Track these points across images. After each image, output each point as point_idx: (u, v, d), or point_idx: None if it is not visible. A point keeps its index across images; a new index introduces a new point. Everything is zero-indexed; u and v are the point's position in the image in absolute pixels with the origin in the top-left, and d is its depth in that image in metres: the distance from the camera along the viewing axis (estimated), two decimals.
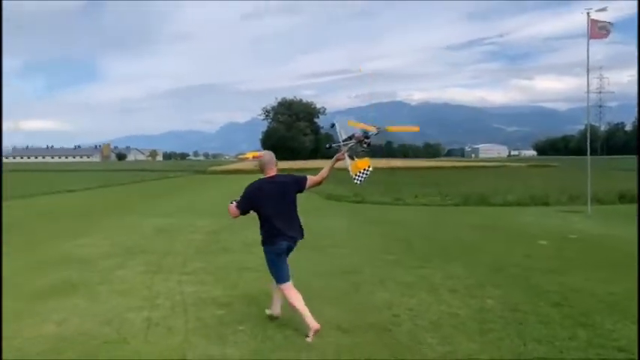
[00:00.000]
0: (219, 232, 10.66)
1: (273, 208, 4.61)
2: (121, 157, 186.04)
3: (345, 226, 11.70)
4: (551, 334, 4.59)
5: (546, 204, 15.93)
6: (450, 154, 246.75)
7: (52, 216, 14.31)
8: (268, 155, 4.81)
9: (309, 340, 4.44)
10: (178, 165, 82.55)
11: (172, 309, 5.41)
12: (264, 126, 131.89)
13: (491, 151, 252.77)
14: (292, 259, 7.83)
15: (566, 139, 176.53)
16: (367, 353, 4.20)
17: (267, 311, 5.10)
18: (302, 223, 4.80)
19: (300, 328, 4.73)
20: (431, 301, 5.55)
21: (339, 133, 4.88)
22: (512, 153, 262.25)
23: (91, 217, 13.98)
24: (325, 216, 13.49)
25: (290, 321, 4.93)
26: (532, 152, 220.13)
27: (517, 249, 8.46)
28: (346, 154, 4.78)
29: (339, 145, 4.83)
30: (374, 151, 5.25)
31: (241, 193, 4.69)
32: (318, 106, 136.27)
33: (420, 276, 6.68)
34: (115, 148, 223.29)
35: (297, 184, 4.75)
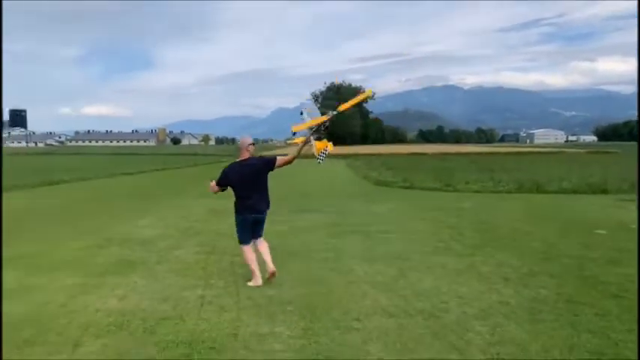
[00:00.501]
0: (270, 216, 10.85)
1: (245, 187, 5.68)
2: (175, 141, 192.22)
3: (393, 211, 11.63)
4: (608, 326, 4.43)
5: (605, 192, 15.18)
6: (503, 139, 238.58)
7: (112, 198, 15.05)
8: (242, 141, 5.84)
9: (250, 283, 5.67)
10: (230, 149, 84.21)
11: (225, 288, 5.61)
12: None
13: (547, 136, 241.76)
14: (340, 244, 7.92)
15: (629, 124, 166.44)
16: (413, 337, 4.22)
17: (250, 283, 5.72)
18: (269, 198, 5.87)
19: (349, 312, 4.81)
20: (481, 290, 5.47)
21: (305, 120, 5.73)
22: (570, 138, 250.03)
23: (148, 199, 14.60)
24: (374, 201, 13.47)
25: (338, 304, 5.01)
26: (592, 138, 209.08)
27: (573, 238, 8.15)
28: (312, 138, 5.65)
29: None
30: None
31: (220, 173, 5.76)
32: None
33: (470, 264, 6.58)
34: (170, 132, 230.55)
35: (267, 165, 5.77)
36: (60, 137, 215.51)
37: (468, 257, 6.93)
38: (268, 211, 5.89)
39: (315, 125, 5.64)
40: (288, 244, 7.90)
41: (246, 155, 5.81)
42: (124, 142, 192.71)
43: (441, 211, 11.60)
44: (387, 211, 11.62)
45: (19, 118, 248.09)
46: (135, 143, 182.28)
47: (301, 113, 5.88)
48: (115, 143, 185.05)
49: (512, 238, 8.27)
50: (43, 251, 7.50)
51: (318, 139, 5.67)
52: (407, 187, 17.43)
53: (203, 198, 14.41)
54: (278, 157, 5.86)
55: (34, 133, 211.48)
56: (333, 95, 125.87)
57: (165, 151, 74.86)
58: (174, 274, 6.22)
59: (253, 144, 5.89)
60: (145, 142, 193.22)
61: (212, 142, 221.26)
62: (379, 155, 49.52)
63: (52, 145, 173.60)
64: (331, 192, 16.58)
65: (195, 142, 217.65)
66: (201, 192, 16.36)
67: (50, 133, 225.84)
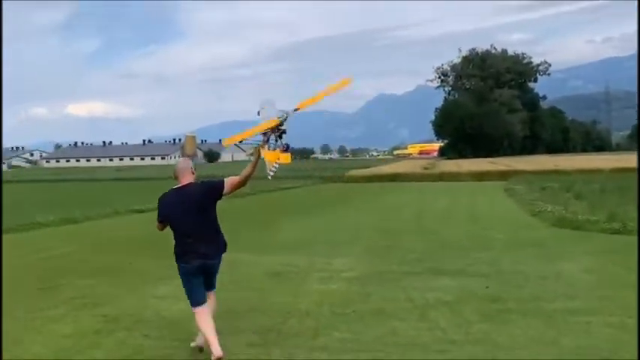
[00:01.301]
0: (369, 281, 10.94)
1: (182, 222, 6.94)
2: (212, 156, 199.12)
3: (594, 274, 11.31)
4: None
5: None
6: None
7: (114, 250, 15.81)
8: (183, 162, 7.24)
9: None
10: (299, 168, 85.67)
11: None
12: (438, 99, 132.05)
13: None
14: (498, 333, 7.75)
15: None
16: None
17: (192, 344, 7.29)
18: (224, 236, 7.18)
19: None
20: None
21: (260, 122, 7.18)
22: None
23: (171, 252, 15.17)
24: (556, 256, 13.19)
25: None
26: None
27: None
28: (266, 147, 7.02)
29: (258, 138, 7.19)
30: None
31: None
32: (536, 60, 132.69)
33: None
34: (204, 142, 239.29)
35: (210, 191, 7.02)
36: (32, 154, 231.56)
37: None
38: (222, 257, 7.20)
39: (269, 130, 7.05)
40: (412, 332, 7.87)
41: (186, 180, 7.11)
42: (132, 159, 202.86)
43: None
44: (582, 274, 11.30)
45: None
46: (148, 162, 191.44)
47: (258, 113, 7.29)
48: (117, 162, 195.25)
49: None
50: (6, 340, 7.99)
51: (286, 149, 7.13)
52: (615, 232, 16.79)
53: (258, 251, 14.73)
54: (227, 179, 7.08)
55: None
56: (475, 71, 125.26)
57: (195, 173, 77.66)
58: None
59: (194, 170, 7.23)
60: (163, 158, 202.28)
61: None
62: (561, 173, 48.16)
63: (19, 166, 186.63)
64: (481, 239, 16.31)
65: (242, 156, 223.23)
66: (258, 241, 16.74)
67: (16, 148, 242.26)
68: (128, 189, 46.99)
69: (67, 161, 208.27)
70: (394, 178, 55.61)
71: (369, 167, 73.77)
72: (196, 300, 6.95)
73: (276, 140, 7.04)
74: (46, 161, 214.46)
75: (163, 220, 7.14)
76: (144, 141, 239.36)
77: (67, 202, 33.42)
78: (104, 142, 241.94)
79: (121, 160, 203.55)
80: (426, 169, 63.46)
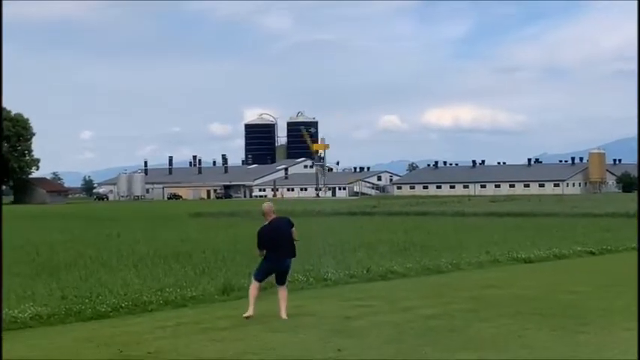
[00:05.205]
0: None
1: (270, 244, 16.91)
2: (628, 183, 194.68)
3: None
4: None
5: None
6: None
7: (497, 313, 16.02)
8: (267, 205, 17.64)
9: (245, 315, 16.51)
10: None
11: None
12: None
13: None
14: None
15: None
16: None
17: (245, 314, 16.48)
18: (295, 247, 17.22)
19: None
20: None
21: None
22: None
23: (574, 321, 15.04)
24: None
25: None
26: None
27: None
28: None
29: None
30: None
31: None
32: None
33: None
34: (616, 162, 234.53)
35: (288, 223, 17.37)
36: (379, 178, 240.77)
37: None
38: (293, 260, 17.08)
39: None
40: None
41: (271, 217, 16.82)
42: (512, 185, 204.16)
43: None
44: None
45: (303, 138, 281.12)
46: (535, 189, 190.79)
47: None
48: (491, 189, 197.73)
49: None
50: None
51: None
52: None
53: None
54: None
55: (329, 169, 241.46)
56: None
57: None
58: None
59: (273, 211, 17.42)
60: (557, 185, 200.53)
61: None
62: None
63: (366, 194, 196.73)
64: None
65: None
66: None
67: (360, 169, 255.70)
68: (507, 228, 46.77)
69: (425, 187, 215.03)
70: None
71: None
72: (257, 277, 16.53)
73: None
74: (397, 187, 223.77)
75: (261, 248, 16.42)
76: (529, 160, 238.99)
77: (427, 243, 34.27)
78: (474, 161, 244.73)
79: (497, 186, 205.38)
80: None
